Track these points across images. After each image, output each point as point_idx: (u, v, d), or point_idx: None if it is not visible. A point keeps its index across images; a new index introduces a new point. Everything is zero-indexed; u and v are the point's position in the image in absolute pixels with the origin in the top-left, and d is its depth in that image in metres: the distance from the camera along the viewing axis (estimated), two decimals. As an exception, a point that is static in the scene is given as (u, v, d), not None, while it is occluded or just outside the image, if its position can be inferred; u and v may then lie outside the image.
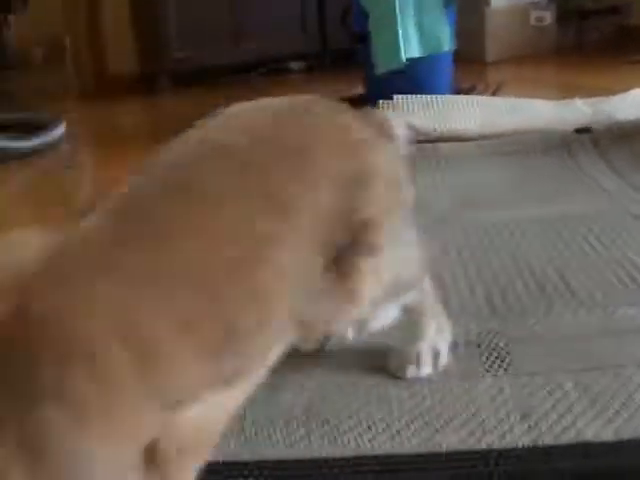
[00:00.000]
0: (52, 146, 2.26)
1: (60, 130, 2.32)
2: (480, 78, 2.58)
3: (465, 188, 1.44)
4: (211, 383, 0.53)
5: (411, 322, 0.79)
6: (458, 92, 2.28)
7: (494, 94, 2.30)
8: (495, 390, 0.78)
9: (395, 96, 2.07)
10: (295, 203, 0.58)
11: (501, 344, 0.86)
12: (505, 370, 0.81)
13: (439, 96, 2.07)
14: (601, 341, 0.85)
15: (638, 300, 0.92)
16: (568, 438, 0.68)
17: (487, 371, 0.81)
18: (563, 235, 1.15)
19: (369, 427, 0.73)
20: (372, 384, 0.79)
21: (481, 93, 2.32)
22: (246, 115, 0.65)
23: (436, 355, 0.79)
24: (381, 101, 2.07)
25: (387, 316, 0.74)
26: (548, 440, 0.68)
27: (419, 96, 2.05)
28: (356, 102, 2.12)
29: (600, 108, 1.84)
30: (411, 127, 1.78)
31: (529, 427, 0.71)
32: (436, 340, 0.79)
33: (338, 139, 0.64)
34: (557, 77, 2.65)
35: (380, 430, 0.72)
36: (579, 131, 1.65)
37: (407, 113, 1.98)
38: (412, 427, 0.72)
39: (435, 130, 1.82)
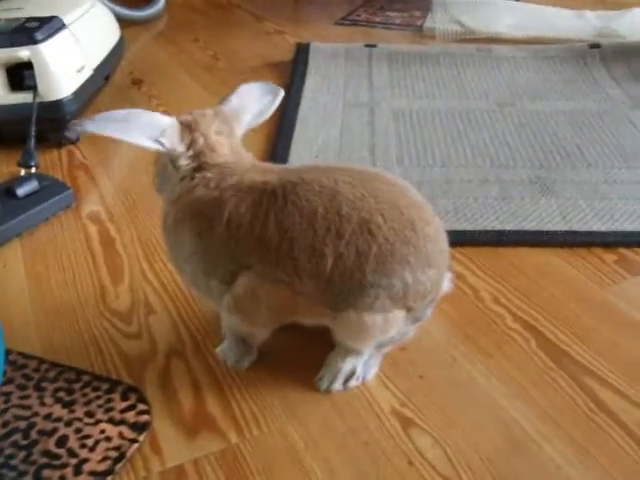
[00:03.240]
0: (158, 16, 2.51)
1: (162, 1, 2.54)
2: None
3: (514, 82, 1.87)
4: None
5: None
6: None
7: None
8: (547, 205, 1.29)
9: None
10: None
11: (547, 183, 1.37)
12: (551, 196, 1.32)
13: None
14: (599, 186, 1.35)
15: (624, 166, 1.42)
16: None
17: (543, 195, 1.33)
18: (579, 123, 1.62)
19: None
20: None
21: None
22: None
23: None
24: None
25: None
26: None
27: None
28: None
29: (606, 23, 2.28)
30: (461, 24, 2.24)
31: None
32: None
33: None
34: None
35: None
36: (592, 46, 2.05)
37: (457, 11, 2.38)
38: None
39: (482, 31, 2.23)
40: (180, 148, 0.87)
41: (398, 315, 0.86)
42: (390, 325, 0.86)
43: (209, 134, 0.89)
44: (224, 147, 0.89)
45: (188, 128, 0.88)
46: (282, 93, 0.96)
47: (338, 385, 0.93)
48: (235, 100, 0.93)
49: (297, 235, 0.82)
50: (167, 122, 0.87)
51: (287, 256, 0.82)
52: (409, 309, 0.87)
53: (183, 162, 0.88)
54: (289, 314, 0.89)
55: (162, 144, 0.86)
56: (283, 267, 0.83)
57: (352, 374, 0.94)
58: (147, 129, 0.85)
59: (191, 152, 0.88)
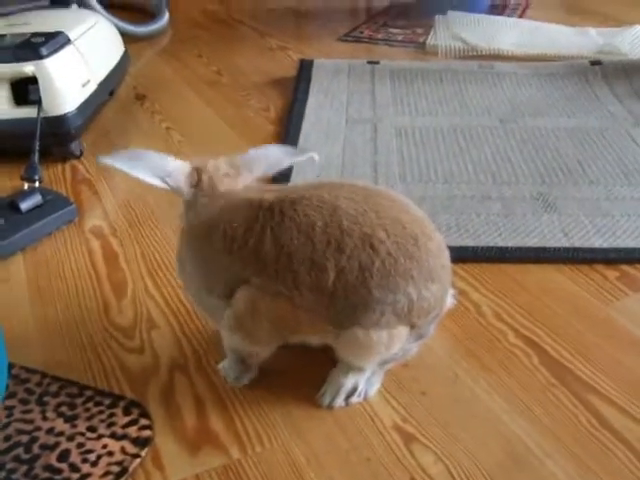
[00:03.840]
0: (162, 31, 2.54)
1: (166, 17, 2.57)
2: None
3: (516, 99, 1.88)
4: None
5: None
6: (494, 7, 2.72)
7: (521, 16, 2.64)
8: (549, 222, 1.29)
9: (449, 12, 2.56)
10: None
11: (549, 200, 1.37)
12: (553, 212, 1.32)
13: (483, 16, 2.56)
14: (601, 203, 1.36)
15: (625, 183, 1.43)
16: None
17: (545, 211, 1.33)
18: (581, 140, 1.63)
19: None
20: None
21: (513, 10, 2.70)
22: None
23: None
24: (437, 16, 2.54)
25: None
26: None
27: (469, 14, 2.55)
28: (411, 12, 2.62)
29: (608, 40, 2.28)
30: (463, 41, 2.25)
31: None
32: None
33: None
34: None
35: None
36: (593, 63, 2.06)
37: (459, 28, 2.39)
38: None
39: (484, 47, 2.24)
40: (185, 188, 0.91)
41: (402, 332, 0.86)
42: (394, 342, 0.87)
43: (216, 175, 0.92)
44: (225, 185, 0.92)
45: (197, 171, 0.92)
46: (315, 157, 0.98)
47: (340, 401, 0.93)
48: (254, 152, 0.96)
49: (295, 249, 0.83)
50: (175, 165, 0.91)
51: (286, 269, 0.83)
52: (413, 325, 0.87)
53: (187, 197, 0.91)
54: (292, 332, 0.89)
55: (167, 183, 0.89)
56: (282, 280, 0.84)
57: (354, 390, 0.94)
58: (156, 169, 0.89)
59: (194, 189, 0.91)
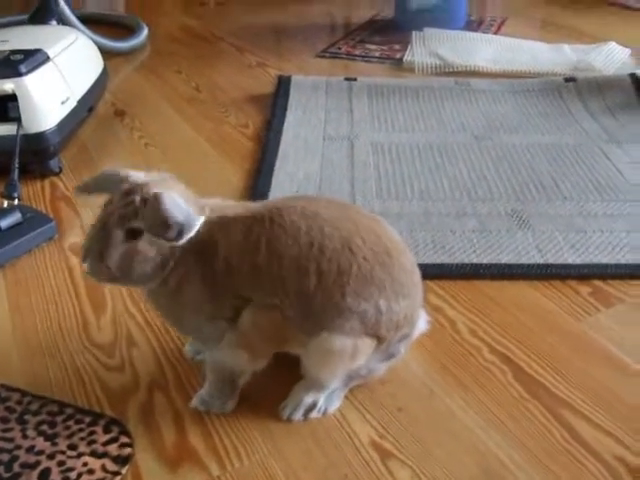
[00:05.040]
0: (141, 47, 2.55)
1: (145, 32, 2.59)
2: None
3: (491, 115, 1.91)
4: None
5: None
6: (470, 22, 2.77)
7: (497, 32, 2.68)
8: (523, 238, 1.32)
9: (425, 29, 2.60)
10: None
11: (523, 216, 1.40)
12: (527, 229, 1.35)
13: (460, 32, 2.61)
14: (574, 219, 1.38)
15: (598, 199, 1.46)
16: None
17: (519, 228, 1.35)
18: (555, 156, 1.66)
19: None
20: None
21: (489, 26, 2.74)
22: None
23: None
24: (414, 32, 2.57)
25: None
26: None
27: (445, 31, 2.59)
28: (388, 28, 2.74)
29: (582, 56, 2.31)
30: (439, 58, 2.33)
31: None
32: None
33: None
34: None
35: None
36: (567, 80, 2.09)
37: (436, 45, 2.43)
38: None
39: (460, 64, 2.27)
40: None
41: (368, 343, 0.88)
42: (359, 353, 0.88)
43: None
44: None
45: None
46: None
47: (299, 415, 0.95)
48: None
49: (284, 252, 0.85)
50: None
51: (277, 276, 0.85)
52: (380, 339, 0.89)
53: None
54: (281, 343, 0.91)
55: None
56: (274, 290, 0.85)
57: (314, 406, 0.96)
58: None
59: None
